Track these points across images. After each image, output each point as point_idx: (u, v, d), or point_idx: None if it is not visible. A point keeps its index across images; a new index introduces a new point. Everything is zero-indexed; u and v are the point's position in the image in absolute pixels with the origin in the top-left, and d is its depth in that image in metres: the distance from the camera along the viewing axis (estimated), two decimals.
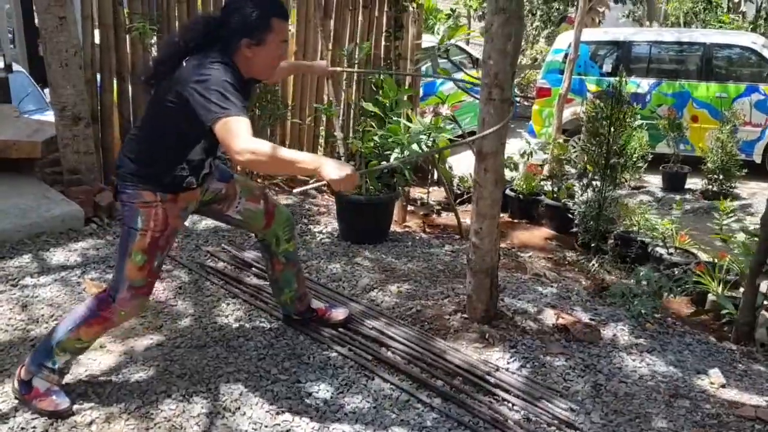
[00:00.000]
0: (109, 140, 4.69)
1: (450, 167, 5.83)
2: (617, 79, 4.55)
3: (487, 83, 2.77)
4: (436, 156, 4.83)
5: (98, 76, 4.63)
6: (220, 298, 3.39)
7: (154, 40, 4.68)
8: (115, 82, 4.68)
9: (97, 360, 2.77)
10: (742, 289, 3.66)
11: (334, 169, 2.13)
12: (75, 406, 2.46)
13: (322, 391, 2.65)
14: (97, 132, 4.57)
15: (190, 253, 3.91)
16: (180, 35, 2.35)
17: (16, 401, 2.47)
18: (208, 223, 4.40)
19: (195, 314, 3.21)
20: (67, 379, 2.56)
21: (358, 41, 5.94)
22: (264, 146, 2.11)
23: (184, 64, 2.26)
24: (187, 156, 2.39)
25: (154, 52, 4.97)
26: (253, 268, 3.70)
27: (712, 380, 2.89)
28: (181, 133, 2.35)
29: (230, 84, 2.16)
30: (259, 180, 5.39)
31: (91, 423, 2.40)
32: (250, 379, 2.70)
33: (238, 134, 2.08)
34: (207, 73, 2.17)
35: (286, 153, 2.20)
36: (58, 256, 3.75)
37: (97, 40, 4.56)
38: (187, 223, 4.12)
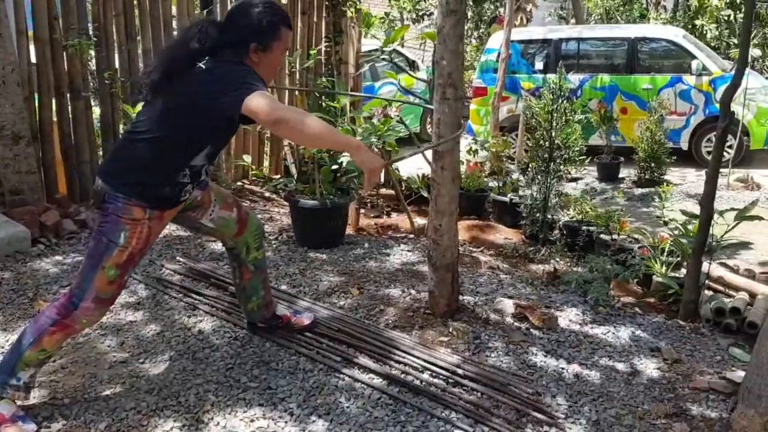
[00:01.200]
0: (50, 158, 4.57)
1: (396, 168, 5.91)
2: (556, 75, 4.71)
3: (441, 83, 2.85)
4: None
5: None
6: (180, 311, 3.35)
7: (92, 54, 4.59)
8: (53, 99, 4.56)
9: (61, 382, 2.71)
10: (684, 270, 3.86)
11: (365, 156, 2.25)
12: (42, 430, 2.40)
13: (294, 395, 2.66)
14: (38, 150, 4.45)
15: (144, 267, 3.85)
16: (193, 38, 2.27)
17: None
18: (160, 236, 4.33)
19: (157, 329, 3.17)
20: (31, 401, 2.49)
21: (298, 47, 5.96)
22: (299, 114, 2.18)
23: (201, 65, 2.25)
24: (191, 161, 2.37)
25: (92, 66, 4.88)
26: (212, 279, 3.67)
27: (666, 357, 3.04)
28: (191, 137, 2.33)
29: (254, 74, 2.23)
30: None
31: None
32: (221, 390, 2.69)
33: (272, 104, 2.13)
34: (232, 70, 2.21)
35: (321, 126, 2.20)
36: (7, 279, 3.63)
37: (32, 57, 4.43)
38: None
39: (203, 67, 2.26)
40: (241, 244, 2.82)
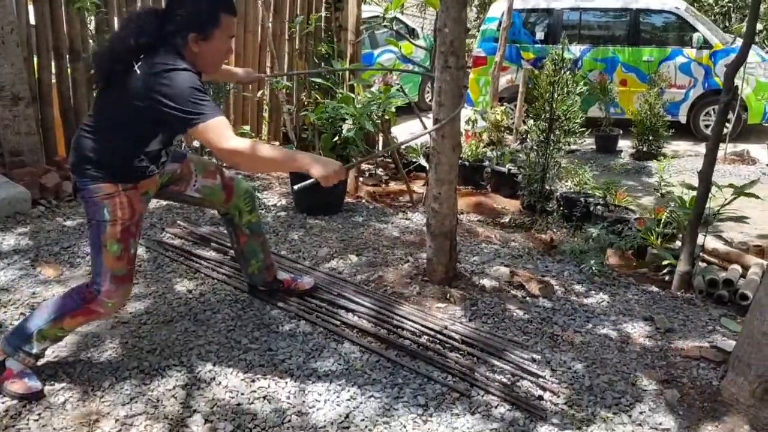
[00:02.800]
0: (50, 120, 4.56)
1: (395, 138, 5.91)
2: (558, 46, 4.70)
3: (443, 51, 2.85)
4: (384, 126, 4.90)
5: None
6: (182, 274, 3.39)
7: (92, 17, 4.55)
8: (53, 59, 4.53)
9: (63, 342, 2.74)
10: (678, 242, 3.91)
11: (322, 168, 2.20)
12: (46, 388, 2.45)
13: (294, 357, 2.71)
14: (37, 112, 4.43)
15: (145, 231, 3.87)
16: (131, 34, 2.22)
17: None
18: (161, 202, 4.35)
19: (158, 291, 3.21)
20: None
21: (298, 12, 5.91)
22: (251, 145, 2.14)
23: (137, 68, 2.17)
24: (145, 149, 2.36)
25: (91, 28, 4.83)
26: (212, 243, 3.70)
27: (658, 326, 3.09)
28: (138, 130, 2.30)
29: (197, 89, 2.14)
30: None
31: (65, 402, 2.39)
32: (222, 350, 2.74)
33: (222, 134, 2.11)
34: (170, 80, 2.12)
35: (273, 152, 2.23)
36: (8, 240, 3.66)
37: (31, 18, 4.39)
38: None
39: (138, 71, 2.16)
40: (233, 209, 2.85)
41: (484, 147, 6.16)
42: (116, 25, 4.84)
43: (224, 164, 3.06)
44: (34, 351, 2.43)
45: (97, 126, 2.32)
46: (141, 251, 3.62)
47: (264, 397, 2.46)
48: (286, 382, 2.55)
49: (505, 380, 2.59)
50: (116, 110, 2.27)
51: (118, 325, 2.89)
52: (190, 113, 2.10)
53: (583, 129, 4.83)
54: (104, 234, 2.34)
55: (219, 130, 2.11)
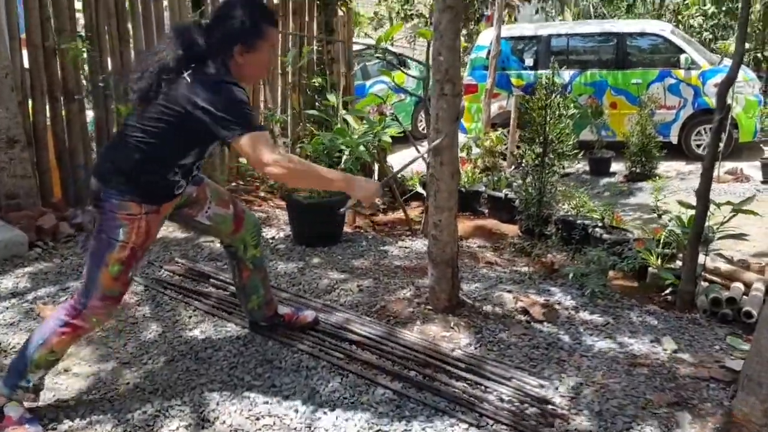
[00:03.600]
0: (45, 162, 4.56)
1: (390, 166, 5.92)
2: (548, 71, 4.75)
3: (438, 79, 2.87)
4: (380, 155, 4.92)
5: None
6: (181, 312, 3.36)
7: (85, 57, 4.58)
8: (47, 103, 4.55)
9: (64, 384, 2.71)
10: (679, 262, 3.90)
11: (361, 187, 2.34)
12: None
13: (299, 392, 2.67)
14: (33, 155, 4.43)
15: (143, 270, 3.84)
16: (181, 45, 2.28)
17: None
18: (157, 238, 4.33)
19: (158, 330, 3.18)
20: (36, 405, 2.49)
21: (290, 47, 5.96)
22: (294, 159, 2.24)
23: (186, 76, 2.23)
24: (180, 161, 2.38)
25: (85, 70, 4.86)
26: (211, 279, 3.68)
27: (665, 347, 3.07)
28: (179, 142, 2.34)
29: (244, 101, 2.23)
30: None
31: None
32: (225, 389, 2.69)
33: (267, 146, 2.20)
34: (220, 90, 2.20)
35: (316, 167, 2.32)
36: (6, 282, 3.62)
37: (25, 61, 4.42)
38: None
39: (188, 79, 2.23)
40: (239, 242, 2.83)
41: (480, 173, 6.18)
42: (110, 66, 4.88)
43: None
44: (31, 384, 2.40)
45: (135, 136, 2.33)
46: (140, 290, 3.59)
47: None
48: (292, 419, 2.51)
49: (513, 408, 2.55)
50: (159, 120, 2.29)
51: (119, 366, 2.85)
52: (236, 123, 2.18)
53: (576, 151, 4.85)
54: (111, 252, 2.32)
55: (262, 143, 2.20)
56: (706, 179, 3.32)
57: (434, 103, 2.93)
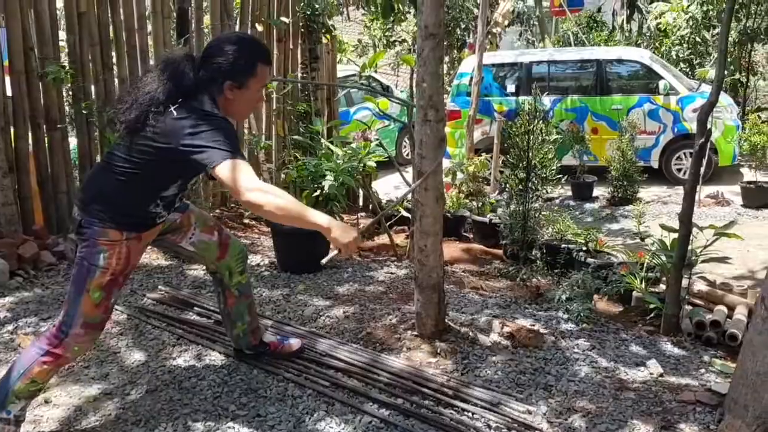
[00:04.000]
0: (27, 190, 4.51)
1: (375, 192, 5.93)
2: (530, 97, 4.80)
3: (422, 105, 2.89)
4: (364, 182, 4.93)
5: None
6: (165, 341, 3.31)
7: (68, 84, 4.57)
8: (30, 129, 4.52)
9: (44, 416, 2.66)
10: (663, 286, 3.92)
11: (343, 233, 2.22)
12: None
13: (284, 422, 2.64)
14: (14, 182, 4.39)
15: (126, 298, 3.80)
16: (170, 78, 2.27)
17: None
18: (139, 265, 4.29)
19: (141, 359, 3.13)
20: None
21: (275, 74, 5.98)
22: (275, 191, 2.18)
23: (174, 109, 2.22)
24: (162, 193, 2.38)
25: (68, 97, 4.85)
26: (195, 308, 3.64)
27: (651, 371, 3.07)
28: (162, 174, 2.34)
29: (230, 132, 2.21)
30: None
31: None
32: (209, 419, 2.65)
33: (246, 174, 2.13)
34: (206, 123, 2.19)
35: (297, 203, 2.24)
36: None
37: (8, 88, 4.40)
38: None
39: (175, 114, 2.21)
40: (224, 268, 2.81)
41: (464, 198, 6.21)
42: (93, 93, 4.87)
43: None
44: (12, 415, 2.35)
45: (119, 167, 2.32)
46: (122, 318, 3.54)
47: None
48: None
49: None
50: (143, 153, 2.28)
51: (101, 397, 2.80)
52: (217, 151, 2.13)
53: (559, 176, 4.89)
54: (92, 279, 2.30)
55: (243, 170, 2.13)
56: (689, 203, 3.36)
57: (418, 129, 2.95)
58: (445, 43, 13.98)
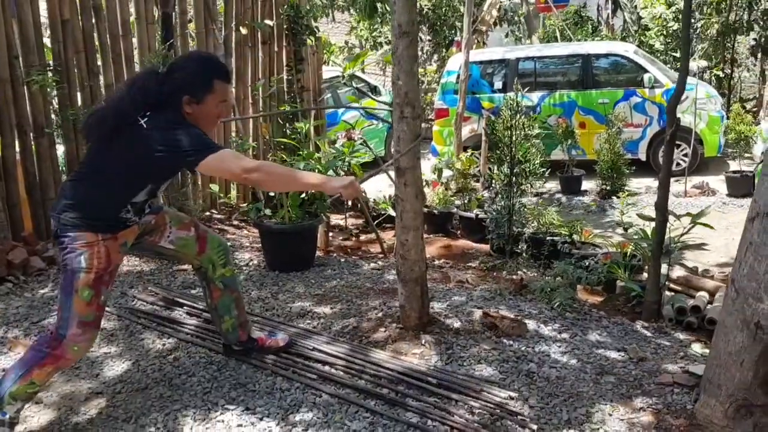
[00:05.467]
0: (15, 196, 4.55)
1: (363, 191, 5.99)
2: (512, 93, 4.87)
3: (398, 102, 2.95)
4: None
5: None
6: (154, 340, 3.36)
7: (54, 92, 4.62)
8: (16, 137, 4.56)
9: (36, 416, 2.70)
10: (646, 275, 4.00)
11: (339, 181, 2.50)
12: None
13: (273, 414, 2.69)
14: (2, 189, 4.43)
15: (116, 300, 3.85)
16: (138, 92, 2.41)
17: None
18: (130, 268, 4.34)
19: (131, 358, 3.18)
20: None
21: (260, 77, 6.04)
22: (267, 164, 2.43)
23: (144, 122, 2.35)
24: (132, 199, 2.48)
25: (54, 104, 4.89)
26: (184, 307, 3.69)
27: (631, 356, 3.14)
28: (131, 182, 2.45)
29: (199, 134, 2.38)
30: None
31: None
32: (199, 414, 2.71)
33: (238, 158, 2.41)
34: (177, 130, 2.35)
35: (291, 169, 2.50)
36: None
37: None
38: None
39: (144, 125, 2.36)
40: (206, 262, 2.88)
41: (452, 195, 6.27)
42: (79, 100, 4.92)
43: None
44: (7, 417, 2.41)
45: (89, 176, 2.47)
46: (113, 320, 3.59)
47: None
48: None
49: (484, 420, 2.59)
50: (113, 162, 2.42)
51: (92, 396, 2.85)
52: (197, 150, 2.32)
53: (543, 169, 4.96)
54: (77, 281, 2.39)
55: (230, 157, 2.38)
56: (664, 191, 3.43)
57: (395, 126, 3.01)
58: (433, 43, 14.10)
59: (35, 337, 3.41)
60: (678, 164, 8.39)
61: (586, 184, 8.18)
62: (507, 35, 16.30)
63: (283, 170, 2.58)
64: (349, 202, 5.94)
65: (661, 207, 3.44)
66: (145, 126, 2.35)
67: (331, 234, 5.34)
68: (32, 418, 2.68)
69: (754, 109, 10.44)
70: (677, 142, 8.52)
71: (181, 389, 2.89)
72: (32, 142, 4.66)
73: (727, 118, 8.52)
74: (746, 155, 7.80)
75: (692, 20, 10.76)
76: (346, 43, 14.20)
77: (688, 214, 3.81)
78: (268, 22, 6.08)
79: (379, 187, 6.23)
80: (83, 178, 2.48)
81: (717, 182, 7.82)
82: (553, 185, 8.20)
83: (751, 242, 2.40)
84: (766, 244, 2.33)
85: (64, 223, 2.40)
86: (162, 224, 2.75)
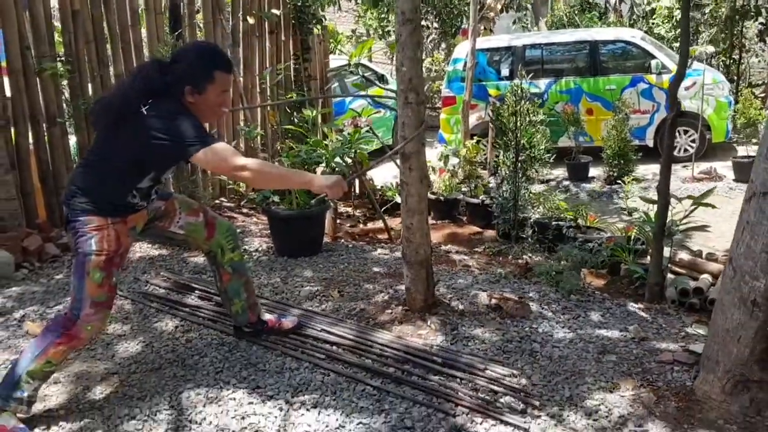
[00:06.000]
0: (29, 185, 4.65)
1: (371, 179, 6.06)
2: (523, 80, 4.91)
3: (402, 89, 3.01)
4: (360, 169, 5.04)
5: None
6: (168, 323, 3.45)
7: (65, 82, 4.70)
8: (30, 127, 4.65)
9: (54, 395, 2.80)
10: (649, 257, 4.05)
11: (326, 179, 2.58)
12: None
13: (282, 392, 2.77)
14: (17, 178, 4.53)
15: (129, 284, 3.94)
16: (141, 81, 2.49)
17: None
18: (142, 255, 4.44)
19: (145, 340, 3.27)
20: (26, 416, 2.58)
21: (267, 65, 6.10)
22: (259, 162, 2.50)
23: (145, 110, 2.43)
24: (138, 185, 2.57)
25: (66, 94, 4.97)
26: (196, 290, 3.78)
27: (633, 335, 3.20)
28: (136, 168, 2.53)
29: (199, 125, 2.46)
30: None
31: None
32: (211, 392, 2.79)
33: (233, 154, 2.48)
34: (175, 119, 2.42)
35: (277, 168, 2.58)
36: None
37: (6, 87, 4.53)
38: None
39: (145, 113, 2.43)
40: (216, 247, 2.96)
41: (459, 182, 6.32)
42: (90, 90, 5.00)
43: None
44: (25, 395, 2.50)
45: (97, 163, 2.55)
46: (127, 303, 3.68)
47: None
48: (276, 417, 2.61)
49: (488, 398, 2.66)
50: (118, 149, 2.50)
51: (107, 376, 2.94)
52: (194, 141, 2.39)
53: (548, 154, 5.00)
54: (89, 263, 2.48)
55: (225, 152, 2.45)
56: (666, 174, 3.47)
57: (400, 112, 3.07)
58: (440, 31, 14.08)
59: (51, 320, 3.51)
60: (685, 150, 8.41)
61: (594, 171, 8.20)
62: (514, 22, 16.25)
63: (272, 169, 2.65)
64: (356, 190, 6.01)
65: (663, 190, 3.48)
66: (146, 113, 2.43)
67: (338, 221, 5.41)
68: (51, 396, 2.78)
69: (762, 95, 10.38)
70: (685, 128, 8.54)
71: (194, 369, 2.98)
72: (45, 132, 4.76)
73: (736, 103, 8.51)
74: (754, 141, 7.79)
75: (699, 5, 10.73)
76: (354, 32, 14.22)
77: (690, 197, 3.85)
78: (275, 11, 6.13)
79: (391, 176, 6.28)
80: (91, 165, 2.57)
81: (724, 168, 7.83)
82: (560, 172, 8.23)
83: (747, 222, 2.45)
84: (762, 224, 2.38)
85: (74, 208, 2.49)
86: (172, 210, 2.84)
